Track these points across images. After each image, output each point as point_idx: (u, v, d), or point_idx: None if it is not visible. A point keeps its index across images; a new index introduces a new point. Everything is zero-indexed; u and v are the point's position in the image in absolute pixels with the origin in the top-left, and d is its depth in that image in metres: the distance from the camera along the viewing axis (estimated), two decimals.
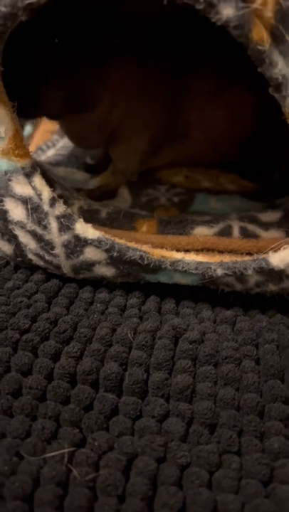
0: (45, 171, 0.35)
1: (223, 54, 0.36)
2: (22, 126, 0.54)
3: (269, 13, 0.21)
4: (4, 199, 0.30)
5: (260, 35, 0.21)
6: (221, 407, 0.24)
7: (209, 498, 0.20)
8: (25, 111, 0.33)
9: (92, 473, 0.21)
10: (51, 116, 0.38)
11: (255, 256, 0.29)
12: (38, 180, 0.29)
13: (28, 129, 0.54)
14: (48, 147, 0.50)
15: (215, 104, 0.40)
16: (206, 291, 0.32)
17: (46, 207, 0.29)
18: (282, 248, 0.27)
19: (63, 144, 0.49)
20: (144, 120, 0.39)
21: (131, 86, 0.37)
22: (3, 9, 0.22)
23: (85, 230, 0.30)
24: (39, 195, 0.29)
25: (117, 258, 0.30)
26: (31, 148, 0.51)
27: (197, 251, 0.33)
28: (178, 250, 0.33)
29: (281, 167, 0.47)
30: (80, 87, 0.35)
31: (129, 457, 0.21)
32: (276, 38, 0.21)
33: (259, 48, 0.21)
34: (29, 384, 0.24)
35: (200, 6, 0.20)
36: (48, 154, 0.49)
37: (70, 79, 0.34)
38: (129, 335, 0.27)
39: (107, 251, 0.30)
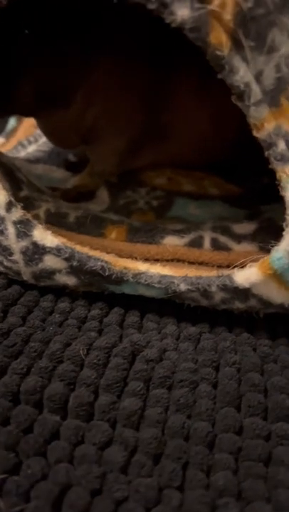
0: (14, 171, 0.34)
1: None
2: (6, 120, 0.53)
3: (228, 15, 0.19)
4: None
5: (218, 39, 0.19)
6: (169, 435, 0.22)
7: None
8: None
9: (20, 504, 0.19)
10: (24, 113, 0.36)
11: (221, 272, 0.27)
12: None
13: (12, 122, 0.52)
14: (30, 142, 0.49)
15: (199, 103, 0.38)
16: (173, 305, 0.30)
17: (2, 211, 0.28)
18: (247, 266, 0.26)
19: (46, 140, 0.47)
20: (123, 119, 0.37)
21: (109, 83, 0.35)
22: None
23: (44, 237, 0.28)
24: None
25: (77, 268, 0.28)
26: (12, 142, 0.50)
27: (167, 261, 0.31)
28: (147, 259, 0.31)
29: (270, 171, 0.45)
30: (53, 82, 0.33)
31: (62, 487, 0.20)
32: (237, 43, 0.19)
33: (218, 53, 0.19)
34: None
35: (152, 6, 0.19)
36: (29, 150, 0.48)
37: (43, 73, 0.32)
38: (81, 352, 0.26)
39: (66, 260, 0.28)
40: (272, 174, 0.44)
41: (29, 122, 0.51)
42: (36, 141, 0.49)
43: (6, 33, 0.31)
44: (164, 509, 0.20)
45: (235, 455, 0.22)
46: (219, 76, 0.20)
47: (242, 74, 0.20)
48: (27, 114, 0.38)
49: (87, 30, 0.34)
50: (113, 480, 0.20)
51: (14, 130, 0.51)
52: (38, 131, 0.49)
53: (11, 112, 0.38)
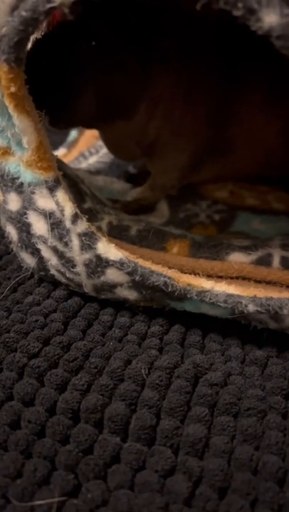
0: (78, 183, 0.34)
1: (277, 63, 0.33)
2: (67, 131, 0.54)
3: None
4: (28, 212, 0.28)
5: None
6: (236, 467, 0.21)
7: None
8: (57, 119, 0.31)
9: None
10: (85, 125, 0.36)
11: None
12: (61, 195, 0.27)
13: (73, 133, 0.53)
14: (91, 154, 0.49)
15: (266, 117, 0.37)
16: (237, 325, 0.29)
17: (68, 223, 0.27)
18: None
19: (106, 151, 0.47)
20: (186, 133, 0.36)
21: (173, 96, 0.35)
22: (24, 14, 0.20)
23: (107, 250, 0.27)
24: (61, 211, 0.27)
25: (139, 282, 0.28)
26: (74, 153, 0.50)
27: (231, 279, 0.30)
28: (210, 276, 0.30)
29: None
30: (115, 94, 0.33)
31: None
32: None
33: None
34: (28, 417, 0.22)
35: (238, 13, 0.18)
36: (90, 161, 0.48)
37: (105, 85, 0.32)
38: (143, 371, 0.25)
39: (129, 274, 0.28)
40: None
41: (90, 133, 0.52)
42: (97, 152, 0.49)
43: (69, 44, 0.31)
44: None
45: None
46: None
47: None
48: (89, 126, 0.37)
49: (151, 42, 0.33)
50: None
51: (76, 141, 0.52)
52: (100, 142, 0.50)
53: (73, 124, 0.38)
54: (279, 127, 0.37)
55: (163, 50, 0.34)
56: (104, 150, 0.48)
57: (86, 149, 0.50)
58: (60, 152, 0.50)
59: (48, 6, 0.20)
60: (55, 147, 0.50)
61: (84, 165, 0.47)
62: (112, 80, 0.33)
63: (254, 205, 0.40)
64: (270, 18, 0.17)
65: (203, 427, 0.22)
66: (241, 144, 0.38)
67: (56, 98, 0.30)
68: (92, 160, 0.48)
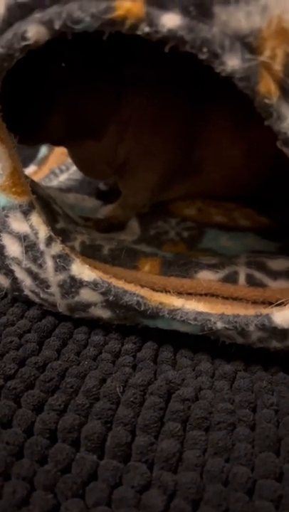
0: (50, 204, 0.35)
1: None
2: (37, 148, 0.54)
3: (278, 66, 0.19)
4: (2, 234, 0.29)
5: (267, 87, 0.19)
6: (208, 479, 0.22)
7: None
8: (27, 137, 0.32)
9: None
10: (55, 143, 0.37)
11: (258, 311, 0.27)
12: (35, 219, 0.28)
13: (43, 150, 0.53)
14: (62, 171, 0.50)
15: (231, 141, 0.39)
16: (207, 340, 0.30)
17: (42, 246, 0.28)
18: (287, 306, 0.26)
19: (76, 168, 0.48)
20: (156, 155, 0.37)
21: (143, 119, 0.36)
22: (0, 50, 0.21)
23: (81, 271, 0.28)
24: (35, 234, 0.28)
25: (113, 302, 0.29)
26: (45, 171, 0.51)
27: (200, 295, 0.31)
28: (180, 293, 0.31)
29: None
30: (85, 115, 0.33)
31: None
32: (285, 92, 0.20)
33: (266, 101, 0.20)
34: (6, 439, 0.23)
35: (203, 56, 0.19)
36: (61, 179, 0.48)
37: (75, 105, 0.33)
38: (118, 389, 0.26)
39: (103, 294, 0.28)
40: None
41: (60, 150, 0.52)
42: (68, 169, 0.50)
43: (40, 64, 0.32)
44: None
45: (276, 503, 0.21)
46: (266, 123, 0.20)
47: None
48: (58, 144, 0.38)
49: (122, 65, 0.35)
50: None
51: (46, 158, 0.52)
52: (70, 160, 0.50)
53: (43, 141, 0.38)
54: (243, 150, 0.39)
55: (133, 75, 0.35)
56: (75, 167, 0.49)
57: (56, 167, 0.50)
58: (30, 169, 0.50)
59: (23, 43, 0.21)
60: (25, 164, 0.51)
61: (55, 182, 0.48)
62: (81, 101, 0.34)
63: (221, 222, 0.42)
64: (232, 62, 0.19)
65: (176, 442, 0.23)
66: (208, 166, 0.39)
67: (26, 116, 0.31)
68: (63, 177, 0.49)
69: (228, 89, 0.37)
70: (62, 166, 0.50)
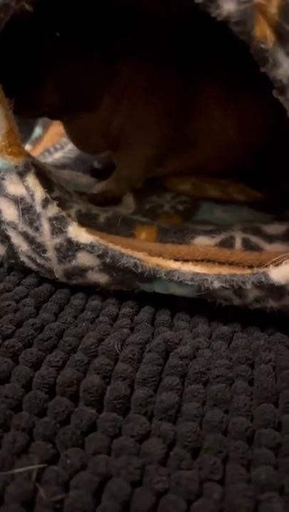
0: (46, 173, 0.35)
1: (235, 60, 0.35)
2: (31, 128, 0.54)
3: (273, 9, 0.19)
4: None
5: (263, 32, 0.20)
6: (207, 429, 0.22)
7: None
8: (23, 108, 0.32)
9: (60, 493, 0.19)
10: (49, 115, 0.37)
11: (255, 269, 0.27)
12: (32, 180, 0.28)
13: (38, 131, 0.53)
14: (56, 149, 0.50)
15: (225, 112, 0.39)
16: (204, 304, 0.30)
17: (39, 208, 0.28)
18: (283, 263, 0.26)
19: (72, 147, 0.48)
20: (150, 127, 0.37)
21: (137, 90, 0.36)
22: None
23: (78, 233, 0.28)
24: (31, 196, 0.28)
25: (110, 265, 0.29)
26: (39, 150, 0.50)
27: (196, 261, 0.31)
28: (176, 260, 0.31)
29: None
30: (78, 86, 0.33)
31: (102, 478, 0.20)
32: (281, 37, 0.20)
33: (262, 46, 0.20)
34: (5, 392, 0.23)
35: (199, 0, 0.19)
36: (55, 157, 0.48)
37: (70, 76, 0.33)
38: (116, 346, 0.26)
39: (99, 257, 0.28)
40: None
41: (55, 130, 0.52)
42: (62, 148, 0.50)
43: (35, 34, 0.32)
44: (205, 502, 0.19)
45: (275, 450, 0.22)
46: (262, 70, 0.21)
47: (285, 68, 0.20)
48: (52, 117, 0.38)
49: (115, 36, 0.35)
50: (153, 472, 0.20)
51: (40, 138, 0.52)
52: (64, 139, 0.50)
53: (36, 112, 0.38)
54: (237, 122, 0.39)
55: (125, 45, 0.35)
56: (70, 146, 0.49)
57: (51, 145, 0.50)
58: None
59: None
60: None
61: (49, 160, 0.48)
62: (74, 72, 0.34)
63: (216, 196, 0.42)
64: (228, 5, 0.19)
65: (175, 395, 0.23)
66: (202, 139, 0.40)
67: (20, 86, 0.31)
68: (58, 155, 0.49)
69: (221, 62, 0.38)
70: (57, 145, 0.50)
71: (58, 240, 0.29)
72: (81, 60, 0.33)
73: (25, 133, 0.53)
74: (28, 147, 0.51)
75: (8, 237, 0.30)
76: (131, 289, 0.31)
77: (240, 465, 0.21)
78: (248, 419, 0.23)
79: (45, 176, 0.34)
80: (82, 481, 0.20)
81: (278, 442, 0.22)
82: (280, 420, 0.23)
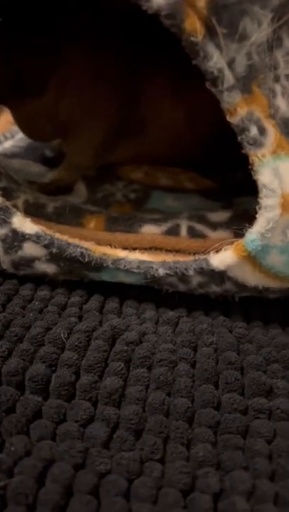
0: None
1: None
2: None
3: (201, 2, 0.20)
4: None
5: (193, 25, 0.20)
6: (150, 411, 0.23)
7: (123, 508, 0.19)
8: None
9: (4, 479, 0.20)
10: None
11: (197, 256, 0.28)
12: None
13: None
14: (6, 138, 0.49)
15: (172, 101, 0.39)
16: (152, 291, 0.31)
17: None
18: (223, 249, 0.27)
19: (22, 136, 0.48)
20: (98, 112, 0.37)
21: (83, 75, 0.36)
22: None
23: (23, 224, 0.28)
24: None
25: (56, 254, 0.29)
26: None
27: (144, 249, 0.32)
28: (125, 248, 0.32)
29: (244, 166, 0.46)
30: (24, 70, 0.33)
31: (45, 463, 0.20)
32: (210, 30, 0.20)
33: (192, 39, 0.20)
34: None
35: None
36: (5, 145, 0.48)
37: (14, 59, 0.32)
38: (62, 335, 0.26)
39: (46, 247, 0.29)
40: (245, 168, 0.45)
41: (5, 119, 0.51)
42: (13, 136, 0.49)
43: None
44: (146, 480, 0.20)
45: (214, 429, 0.23)
46: (194, 62, 0.21)
47: (215, 60, 0.21)
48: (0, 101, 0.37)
49: (62, 20, 0.34)
50: (96, 454, 0.21)
51: None
52: (15, 128, 0.49)
53: None
54: (185, 112, 0.40)
55: (72, 30, 0.35)
56: (20, 135, 0.48)
57: (1, 134, 0.49)
58: None
59: None
60: None
61: None
62: (17, 55, 0.33)
63: (167, 184, 0.43)
64: None
65: (119, 379, 0.24)
66: (151, 126, 0.40)
67: None
68: (8, 144, 0.48)
69: (169, 51, 0.38)
70: (7, 134, 0.49)
71: (3, 231, 0.29)
72: (24, 44, 0.33)
73: None
74: None
75: None
76: (80, 278, 0.31)
77: (180, 444, 0.22)
78: (188, 401, 0.24)
79: None
80: (26, 467, 0.20)
81: (217, 421, 0.23)
82: (219, 400, 0.24)
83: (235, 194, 0.42)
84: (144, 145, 0.41)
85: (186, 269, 0.28)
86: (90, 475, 0.20)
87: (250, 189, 0.42)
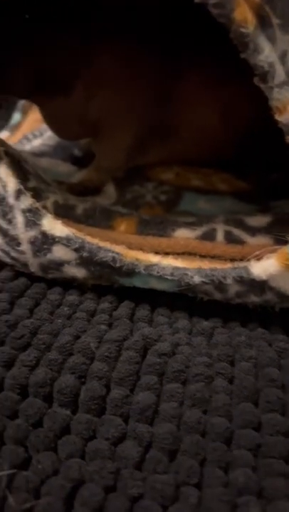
0: (21, 162, 0.33)
1: (218, 45, 0.33)
2: (9, 114, 0.52)
3: None
4: None
5: (243, 15, 0.18)
6: (185, 431, 0.22)
7: None
8: None
9: (30, 500, 0.18)
10: (22, 95, 0.35)
11: (236, 264, 0.26)
12: (4, 171, 0.26)
13: (16, 117, 0.52)
14: (35, 136, 0.48)
15: (207, 100, 0.38)
16: (185, 299, 0.30)
17: (11, 199, 0.27)
18: (265, 257, 0.25)
19: (51, 134, 0.47)
20: (130, 114, 0.36)
21: (115, 76, 0.35)
22: None
23: (53, 226, 0.27)
24: (4, 187, 0.26)
25: (87, 258, 0.27)
26: (18, 136, 0.49)
27: (178, 254, 0.31)
28: (157, 253, 0.30)
29: (281, 168, 0.44)
30: (49, 67, 0.32)
31: (74, 484, 0.19)
32: (263, 21, 0.19)
33: (242, 30, 0.19)
34: None
35: None
36: (34, 144, 0.47)
37: (39, 56, 0.31)
38: (92, 345, 0.25)
39: (76, 250, 0.27)
40: (281, 170, 0.43)
41: (34, 117, 0.51)
42: (41, 135, 0.48)
43: (5, 14, 0.30)
44: (181, 507, 0.19)
45: (254, 452, 0.21)
46: (242, 56, 0.19)
47: (267, 53, 0.19)
48: (24, 97, 0.36)
49: (91, 16, 0.33)
50: (128, 476, 0.19)
51: (19, 125, 0.50)
52: (44, 126, 0.49)
53: (9, 92, 0.36)
54: (221, 109, 0.38)
55: (101, 29, 0.34)
56: (49, 133, 0.47)
57: (30, 132, 0.49)
58: (2, 135, 0.48)
59: None
60: None
61: (28, 147, 0.46)
62: (44, 53, 0.32)
63: (199, 186, 0.41)
64: None
65: (152, 394, 0.23)
66: (184, 127, 0.38)
67: None
68: (37, 142, 0.47)
69: (205, 48, 0.36)
70: (36, 132, 0.48)
71: (32, 233, 0.27)
72: (51, 42, 0.32)
73: (4, 119, 0.52)
74: (6, 134, 0.49)
75: None
76: (110, 283, 0.30)
77: (217, 468, 0.20)
78: (227, 420, 0.22)
79: (20, 165, 0.33)
80: (54, 487, 0.19)
81: (258, 443, 0.21)
82: (260, 420, 0.22)
83: (270, 197, 0.40)
84: (178, 146, 0.39)
85: (223, 278, 0.26)
86: (121, 498, 0.19)
87: (287, 192, 0.40)
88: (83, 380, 0.23)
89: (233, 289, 0.26)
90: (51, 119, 0.37)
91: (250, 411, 0.22)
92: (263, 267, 0.25)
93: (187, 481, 0.20)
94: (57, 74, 0.32)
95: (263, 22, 0.19)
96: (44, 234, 0.27)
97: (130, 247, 0.30)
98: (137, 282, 0.29)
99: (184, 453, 0.21)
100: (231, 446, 0.21)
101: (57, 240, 0.27)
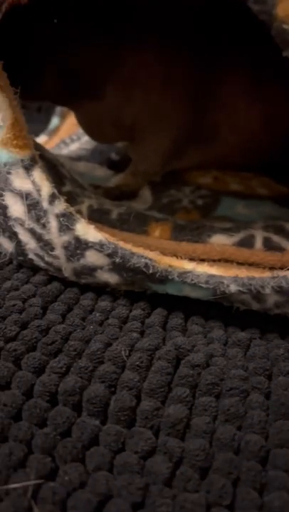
0: (56, 166, 0.33)
1: (260, 46, 0.32)
2: (48, 118, 0.53)
3: None
4: (4, 193, 0.28)
5: (286, 11, 0.17)
6: (218, 447, 0.21)
7: None
8: (25, 94, 0.31)
9: None
10: (54, 100, 0.35)
11: (275, 273, 0.25)
12: (38, 175, 0.26)
13: (55, 121, 0.52)
14: (73, 141, 0.48)
15: (248, 102, 0.36)
16: (220, 307, 0.28)
17: (45, 204, 0.27)
18: None
19: (88, 138, 0.47)
20: (166, 118, 0.35)
21: (150, 79, 0.34)
22: None
23: (86, 231, 0.27)
24: (38, 191, 0.26)
25: (120, 264, 0.27)
26: (55, 140, 0.49)
27: (213, 261, 0.30)
28: (192, 259, 0.30)
29: None
30: (79, 72, 0.32)
31: (101, 498, 0.19)
32: None
33: (284, 27, 0.18)
34: (4, 400, 0.22)
35: None
36: (71, 148, 0.47)
37: (68, 60, 0.31)
38: (123, 353, 0.24)
39: (109, 256, 0.27)
40: None
41: (72, 121, 0.51)
42: (79, 139, 0.48)
43: (31, 21, 0.30)
44: None
45: None
46: (284, 54, 0.18)
47: None
48: (59, 102, 0.37)
49: (119, 22, 0.33)
50: (157, 493, 0.19)
51: (57, 129, 0.51)
52: (81, 130, 0.49)
53: (40, 97, 0.36)
54: (261, 111, 0.37)
55: (134, 32, 0.33)
56: (87, 137, 0.47)
57: (67, 137, 0.49)
58: (41, 139, 0.49)
59: None
60: (36, 135, 0.50)
61: (65, 151, 0.46)
62: (74, 58, 0.32)
63: (238, 190, 0.40)
64: None
65: (184, 408, 0.22)
66: (224, 130, 0.37)
67: (23, 72, 0.30)
68: (74, 146, 0.47)
69: (244, 48, 0.35)
70: (74, 136, 0.49)
71: (65, 238, 0.27)
72: (80, 46, 0.32)
73: (43, 123, 0.52)
74: (44, 138, 0.49)
75: (15, 234, 0.29)
76: (143, 289, 0.29)
77: (252, 489, 0.19)
78: (262, 438, 0.21)
79: (56, 169, 0.33)
80: (81, 500, 0.18)
81: None
82: None
83: None
84: (216, 150, 0.38)
85: (262, 287, 0.25)
86: None
87: None
88: (113, 389, 0.23)
89: (272, 299, 0.25)
90: (86, 123, 0.37)
91: (287, 429, 0.21)
92: None
93: (219, 501, 0.19)
94: (85, 77, 0.32)
95: None
96: (77, 239, 0.27)
97: (164, 252, 0.30)
98: (170, 289, 0.28)
99: (216, 471, 0.20)
100: (267, 466, 0.20)
101: (90, 245, 0.27)
